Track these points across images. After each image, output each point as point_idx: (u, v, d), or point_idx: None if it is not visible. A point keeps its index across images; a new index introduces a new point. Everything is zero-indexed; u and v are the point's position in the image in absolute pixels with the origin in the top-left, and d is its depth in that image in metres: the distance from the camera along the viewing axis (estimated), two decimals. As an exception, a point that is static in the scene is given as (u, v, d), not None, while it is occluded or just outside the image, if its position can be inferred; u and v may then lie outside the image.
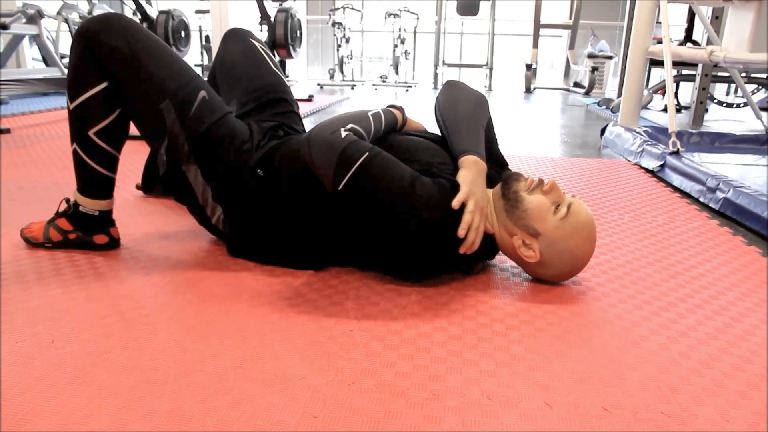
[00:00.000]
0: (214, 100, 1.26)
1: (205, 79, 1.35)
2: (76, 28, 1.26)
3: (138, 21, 4.74)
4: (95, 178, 1.30)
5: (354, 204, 1.13)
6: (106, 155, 1.29)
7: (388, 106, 1.33)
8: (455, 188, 1.14)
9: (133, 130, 1.30)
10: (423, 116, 3.60)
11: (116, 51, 1.19)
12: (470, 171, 1.17)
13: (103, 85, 1.23)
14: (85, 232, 1.33)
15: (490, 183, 1.26)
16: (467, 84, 1.40)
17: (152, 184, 1.26)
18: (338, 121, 1.15)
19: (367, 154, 1.11)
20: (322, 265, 1.28)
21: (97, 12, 4.86)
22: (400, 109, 1.36)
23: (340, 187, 1.10)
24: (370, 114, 1.24)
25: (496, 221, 1.21)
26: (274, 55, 4.50)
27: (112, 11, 1.27)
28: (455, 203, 1.12)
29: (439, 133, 1.39)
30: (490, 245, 1.23)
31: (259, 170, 1.25)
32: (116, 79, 1.22)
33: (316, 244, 1.25)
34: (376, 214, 1.11)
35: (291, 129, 1.43)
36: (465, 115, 1.28)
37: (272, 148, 1.28)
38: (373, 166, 1.10)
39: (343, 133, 1.12)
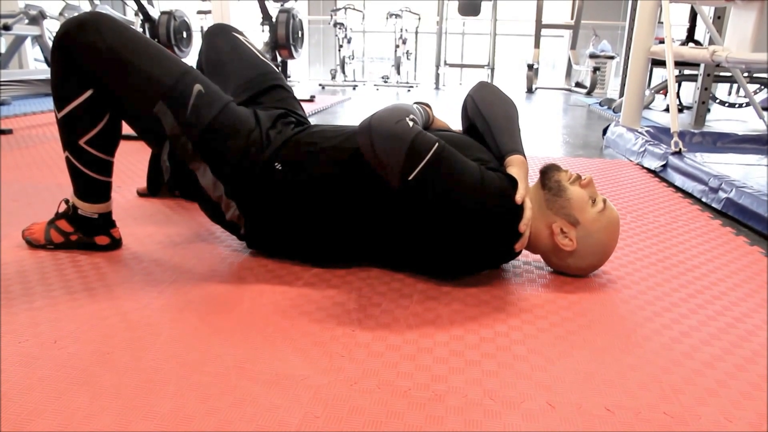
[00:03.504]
0: (211, 91, 1.20)
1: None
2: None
3: (140, 22, 4.72)
4: (91, 184, 1.28)
5: (414, 197, 1.09)
6: (100, 162, 1.26)
7: (416, 103, 1.30)
8: (514, 184, 1.15)
9: (129, 130, 1.28)
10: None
11: (93, 49, 1.13)
12: (521, 170, 1.19)
13: (88, 93, 1.18)
14: (86, 233, 1.33)
15: None
16: (498, 87, 1.41)
17: (158, 186, 1.24)
18: (397, 110, 1.09)
19: (437, 145, 1.07)
20: (345, 260, 1.27)
21: (99, 13, 4.85)
22: (428, 106, 1.35)
23: (409, 178, 1.06)
24: (415, 107, 1.21)
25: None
26: (276, 56, 4.51)
27: (104, 12, 1.20)
28: (519, 198, 1.12)
29: (462, 133, 1.40)
30: None
31: (276, 164, 1.20)
32: (101, 82, 1.16)
33: (343, 238, 1.23)
34: (440, 206, 1.08)
35: (297, 115, 1.41)
36: (506, 116, 1.29)
37: (291, 140, 1.24)
38: (443, 158, 1.07)
39: (410, 123, 1.07)
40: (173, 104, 1.16)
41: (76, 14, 1.16)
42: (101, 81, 1.16)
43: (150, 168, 1.25)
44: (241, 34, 1.53)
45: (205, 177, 1.21)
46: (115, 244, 1.37)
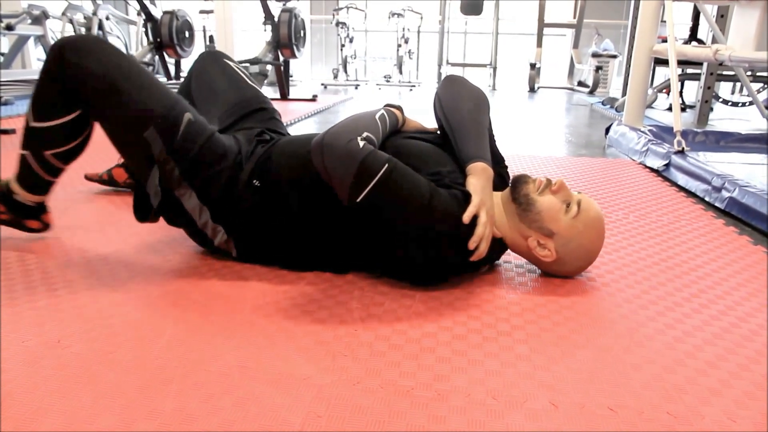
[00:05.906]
0: (199, 121, 1.22)
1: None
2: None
3: (142, 21, 4.72)
4: (40, 181, 1.31)
5: (367, 215, 1.10)
6: (58, 169, 1.30)
7: (387, 105, 1.30)
8: (468, 199, 1.13)
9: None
10: (427, 117, 3.60)
11: (88, 73, 1.14)
12: (480, 179, 1.17)
13: (73, 115, 1.20)
14: (18, 215, 1.36)
15: (497, 184, 1.27)
16: (467, 79, 1.37)
17: (146, 213, 1.26)
18: (351, 126, 1.11)
19: (386, 166, 1.07)
20: (330, 268, 1.26)
21: (101, 13, 4.87)
22: (399, 108, 1.34)
23: (358, 200, 1.07)
24: (377, 117, 1.20)
25: (506, 225, 1.20)
26: (279, 55, 4.51)
27: (92, 34, 1.21)
28: (466, 217, 1.10)
29: (437, 131, 1.38)
30: (497, 249, 1.23)
31: (254, 181, 1.22)
32: (91, 105, 1.17)
33: (325, 249, 1.23)
34: (389, 227, 1.10)
35: (275, 132, 1.42)
36: (470, 117, 1.26)
37: (264, 155, 1.25)
38: (392, 180, 1.07)
39: (361, 143, 1.07)
40: (164, 131, 1.17)
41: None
42: (92, 103, 1.18)
43: (135, 195, 1.26)
44: (232, 60, 1.56)
45: (190, 202, 1.22)
46: (45, 228, 1.40)
